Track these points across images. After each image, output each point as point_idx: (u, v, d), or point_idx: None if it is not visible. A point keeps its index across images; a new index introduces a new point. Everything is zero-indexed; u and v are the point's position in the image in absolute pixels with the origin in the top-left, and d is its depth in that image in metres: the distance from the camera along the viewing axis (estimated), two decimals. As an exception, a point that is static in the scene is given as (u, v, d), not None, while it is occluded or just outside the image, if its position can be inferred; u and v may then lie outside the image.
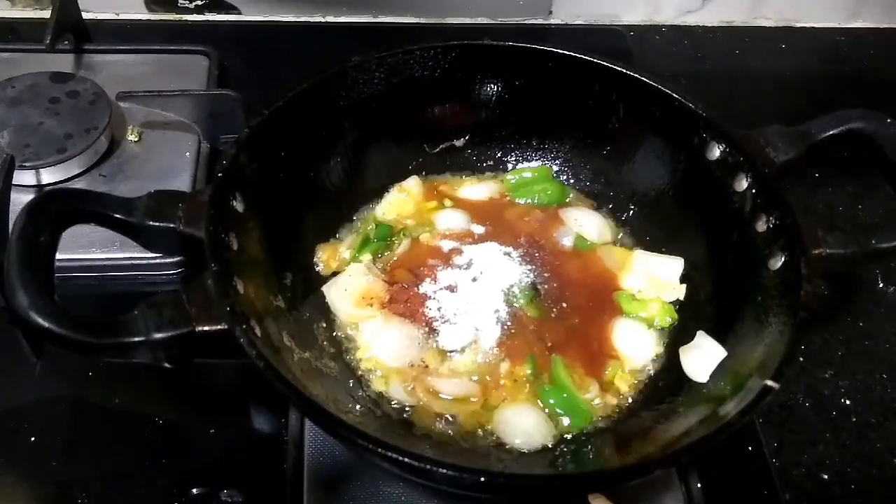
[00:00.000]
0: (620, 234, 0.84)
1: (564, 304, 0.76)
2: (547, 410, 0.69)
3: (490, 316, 0.74)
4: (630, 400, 0.71)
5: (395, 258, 0.79)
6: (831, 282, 0.87)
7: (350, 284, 0.75)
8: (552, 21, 1.19)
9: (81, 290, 0.80)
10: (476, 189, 0.86)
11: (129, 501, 0.67)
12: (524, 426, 0.68)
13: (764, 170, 0.71)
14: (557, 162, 0.88)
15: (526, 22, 1.18)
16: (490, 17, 1.18)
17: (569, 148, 0.87)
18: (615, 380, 0.71)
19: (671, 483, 0.68)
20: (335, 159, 0.81)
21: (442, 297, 0.75)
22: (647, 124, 0.80)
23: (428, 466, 0.53)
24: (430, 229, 0.82)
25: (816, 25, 1.22)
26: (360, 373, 0.72)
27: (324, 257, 0.79)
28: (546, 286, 0.78)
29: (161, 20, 1.13)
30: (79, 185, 0.86)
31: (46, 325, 0.53)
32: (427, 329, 0.73)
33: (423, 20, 1.17)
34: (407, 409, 0.69)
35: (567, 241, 0.82)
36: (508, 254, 0.79)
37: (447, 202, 0.84)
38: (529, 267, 0.79)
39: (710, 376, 0.68)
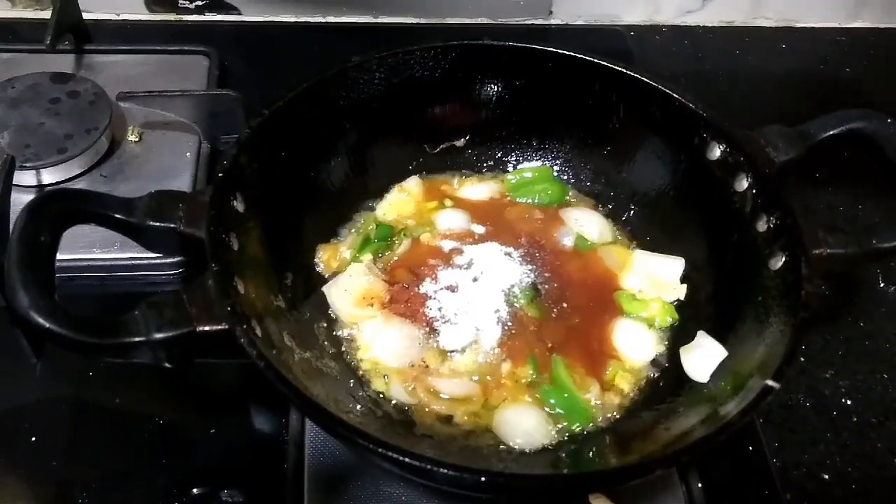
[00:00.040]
0: (621, 234, 0.84)
1: (565, 304, 0.76)
2: (547, 410, 0.69)
3: (490, 316, 0.74)
4: (630, 400, 0.71)
5: (395, 258, 0.79)
6: (832, 282, 0.87)
7: (350, 284, 0.75)
8: (552, 21, 1.19)
9: (82, 291, 0.80)
10: (476, 189, 0.86)
11: (129, 501, 0.67)
12: (525, 426, 0.68)
13: (764, 170, 0.71)
14: (558, 162, 0.88)
15: (526, 22, 1.18)
16: (490, 18, 1.18)
17: (569, 148, 0.87)
18: (616, 380, 0.71)
19: (672, 483, 0.68)
20: (335, 159, 0.81)
21: (442, 297, 0.75)
22: (648, 124, 0.80)
23: (428, 466, 0.53)
24: (431, 229, 0.82)
25: (816, 25, 1.22)
26: (360, 373, 0.72)
27: (324, 257, 0.79)
28: (546, 286, 0.78)
29: (161, 20, 1.13)
30: (79, 185, 0.86)
31: (47, 325, 0.53)
32: (428, 329, 0.73)
33: (423, 20, 1.17)
34: (407, 409, 0.69)
35: (567, 241, 0.82)
36: (509, 254, 0.79)
37: (448, 202, 0.84)
38: (530, 267, 0.79)
39: (711, 376, 0.68)
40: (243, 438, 0.72)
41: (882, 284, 0.88)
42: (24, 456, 0.69)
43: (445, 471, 0.53)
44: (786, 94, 1.11)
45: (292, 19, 1.15)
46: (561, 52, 0.81)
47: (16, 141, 0.85)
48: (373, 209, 0.84)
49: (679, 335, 0.74)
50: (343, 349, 0.73)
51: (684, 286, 0.77)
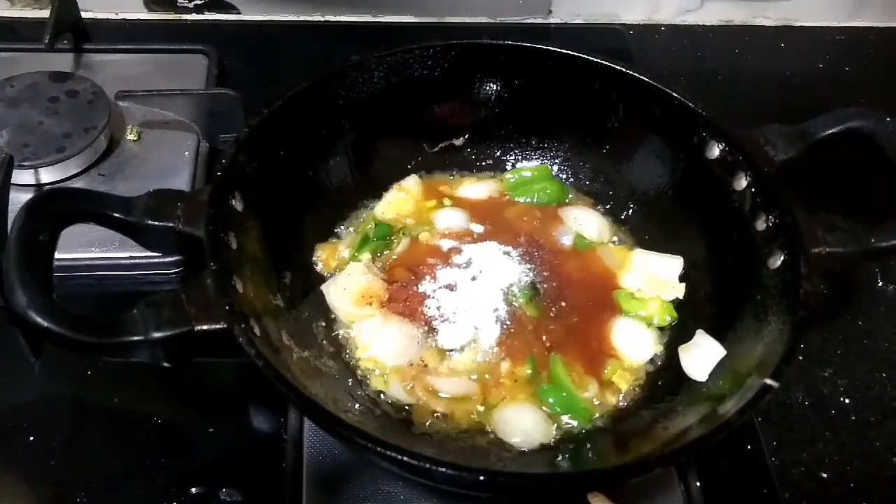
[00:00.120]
0: (620, 233, 0.84)
1: (564, 303, 0.76)
2: (546, 409, 0.69)
3: (489, 315, 0.74)
4: (629, 399, 0.71)
5: (394, 257, 0.79)
6: (831, 281, 0.87)
7: (349, 283, 0.75)
8: (552, 20, 1.19)
9: (80, 290, 0.80)
10: (475, 188, 0.86)
11: (128, 501, 0.67)
12: (523, 425, 0.68)
13: (763, 169, 0.71)
14: (557, 161, 0.88)
15: (525, 21, 1.18)
16: (489, 16, 1.18)
17: (568, 147, 0.87)
18: (614, 379, 0.71)
19: (670, 482, 0.69)
20: (334, 158, 0.81)
21: (441, 296, 0.75)
22: (647, 123, 0.80)
23: (427, 465, 0.53)
24: (430, 228, 0.82)
25: (816, 25, 1.22)
26: (359, 372, 0.72)
27: (323, 256, 0.79)
28: (545, 285, 0.78)
29: (160, 19, 1.13)
30: (78, 184, 0.86)
31: (45, 324, 0.53)
32: (426, 328, 0.73)
33: (422, 19, 1.17)
34: (406, 407, 0.69)
35: (566, 240, 0.82)
36: (508, 253, 0.79)
37: (446, 201, 0.84)
38: (529, 266, 0.79)
39: (710, 375, 0.68)
40: (242, 437, 0.72)
41: (881, 283, 0.88)
42: (22, 455, 0.69)
43: (444, 470, 0.53)
44: (785, 93, 1.11)
45: (291, 18, 1.15)
46: (560, 51, 0.81)
47: (14, 140, 0.85)
48: (372, 208, 0.84)
49: (678, 334, 0.74)
50: (342, 348, 0.73)
51: (683, 285, 0.77)
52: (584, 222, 0.82)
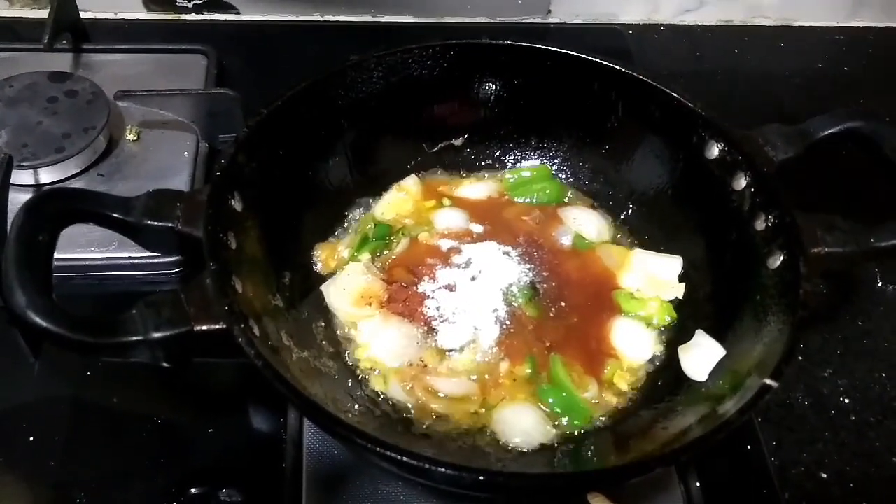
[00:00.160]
0: (619, 233, 0.84)
1: (563, 304, 0.76)
2: (546, 409, 0.69)
3: (489, 315, 0.74)
4: (629, 399, 0.71)
5: (393, 257, 0.79)
6: (830, 281, 0.87)
7: (349, 284, 0.75)
8: (551, 20, 1.19)
9: (80, 290, 0.80)
10: (475, 188, 0.86)
11: (128, 501, 0.67)
12: (523, 425, 0.68)
13: (763, 169, 0.71)
14: (556, 161, 0.88)
15: (525, 21, 1.18)
16: (489, 16, 1.18)
17: (568, 147, 0.87)
18: (614, 379, 0.71)
19: (670, 482, 0.69)
20: (334, 158, 0.81)
21: (441, 297, 0.75)
22: (646, 123, 0.80)
23: (427, 465, 0.53)
24: (429, 228, 0.82)
25: (815, 24, 1.22)
26: (358, 372, 0.72)
27: (322, 256, 0.79)
28: (545, 285, 0.78)
29: (159, 19, 1.13)
30: (77, 184, 0.86)
31: (44, 324, 0.53)
32: (426, 328, 0.73)
33: (421, 19, 1.17)
34: (406, 408, 0.69)
35: (566, 240, 0.82)
36: (507, 253, 0.79)
37: (446, 201, 0.84)
38: (528, 266, 0.79)
39: (709, 375, 0.68)
40: (241, 438, 0.72)
41: (880, 283, 0.88)
42: (22, 456, 0.69)
43: (444, 470, 0.53)
44: (784, 93, 1.11)
45: (291, 18, 1.15)
46: (559, 51, 0.81)
47: (13, 140, 0.85)
48: (371, 208, 0.84)
49: (677, 334, 0.74)
50: (341, 348, 0.73)
51: (682, 285, 0.77)
52: (584, 222, 0.82)
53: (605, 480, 0.60)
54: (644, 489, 0.68)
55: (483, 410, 0.69)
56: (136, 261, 0.80)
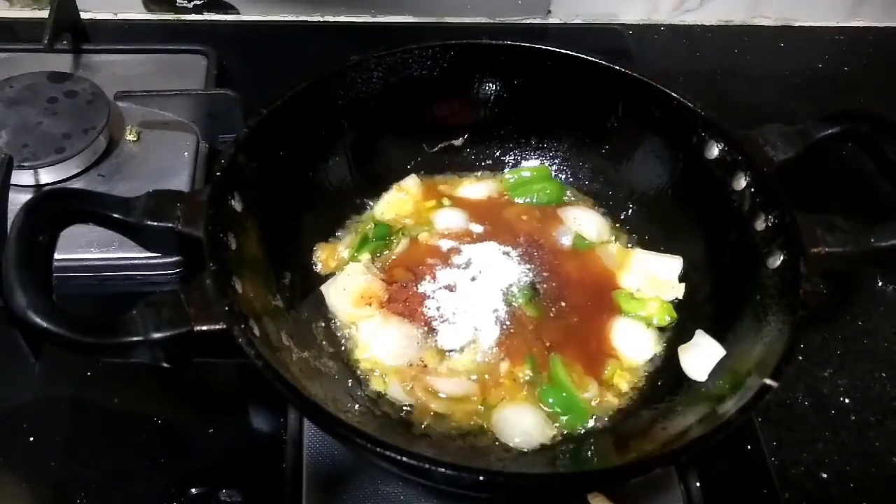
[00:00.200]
0: (619, 234, 0.84)
1: (563, 304, 0.76)
2: (546, 409, 0.69)
3: (489, 315, 0.74)
4: (629, 399, 0.71)
5: (393, 257, 0.79)
6: (831, 281, 0.87)
7: (349, 284, 0.75)
8: (551, 20, 1.19)
9: (80, 290, 0.80)
10: (475, 188, 0.86)
11: (128, 501, 0.67)
12: (523, 425, 0.68)
13: (763, 169, 0.71)
14: (556, 161, 0.88)
15: (524, 21, 1.18)
16: (489, 17, 1.18)
17: (567, 147, 0.87)
18: (614, 379, 0.71)
19: (670, 482, 0.68)
20: (334, 159, 0.81)
21: (441, 297, 0.75)
22: (646, 123, 0.80)
23: (427, 465, 0.53)
24: (429, 228, 0.82)
25: (815, 24, 1.22)
26: (358, 372, 0.72)
27: (322, 257, 0.79)
28: (545, 285, 0.77)
29: (159, 20, 1.13)
30: (77, 184, 0.86)
31: (45, 325, 0.53)
32: (426, 328, 0.73)
33: (421, 19, 1.17)
34: (406, 408, 0.69)
35: (566, 241, 0.82)
36: (507, 253, 0.79)
37: (446, 201, 0.84)
38: (528, 266, 0.79)
39: (709, 375, 0.68)
40: (242, 438, 0.72)
41: (881, 283, 0.88)
42: (22, 456, 0.69)
43: (444, 470, 0.53)
44: (784, 93, 1.11)
45: (291, 19, 1.15)
46: (559, 51, 0.81)
47: (13, 140, 0.85)
48: (371, 208, 0.84)
49: (677, 334, 0.74)
50: (341, 349, 0.73)
51: (682, 285, 0.77)
52: (584, 222, 0.82)
53: (605, 480, 0.60)
54: (644, 489, 0.68)
55: (483, 410, 0.69)
56: (136, 261, 0.80)
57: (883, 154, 0.74)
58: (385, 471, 0.66)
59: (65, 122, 0.87)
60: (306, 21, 1.15)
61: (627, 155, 0.83)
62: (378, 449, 0.53)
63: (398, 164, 0.86)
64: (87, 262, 0.79)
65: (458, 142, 0.87)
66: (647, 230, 0.83)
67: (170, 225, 0.63)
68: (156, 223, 0.63)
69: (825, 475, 0.73)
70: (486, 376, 0.71)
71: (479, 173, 0.88)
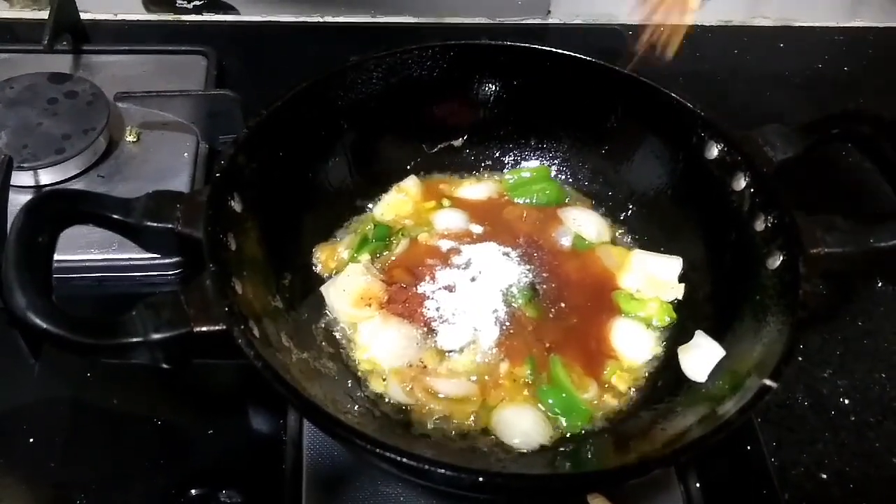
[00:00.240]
0: (619, 234, 0.84)
1: (563, 304, 0.76)
2: (545, 410, 0.69)
3: (489, 316, 0.74)
4: (629, 399, 0.71)
5: (393, 258, 0.79)
6: (830, 281, 0.86)
7: (348, 285, 0.75)
8: (550, 21, 1.19)
9: (80, 291, 0.80)
10: (474, 189, 0.86)
11: (128, 502, 0.67)
12: (523, 426, 0.68)
13: (762, 169, 0.71)
14: (556, 162, 0.88)
15: (524, 22, 1.18)
16: (488, 17, 1.18)
17: (567, 147, 0.87)
18: (614, 379, 0.71)
19: (670, 483, 0.68)
20: (333, 159, 0.81)
21: (440, 298, 0.75)
22: (646, 124, 0.80)
23: (426, 466, 0.53)
24: (429, 229, 0.81)
25: (815, 25, 1.22)
26: (358, 373, 0.72)
27: (322, 257, 0.79)
28: (545, 286, 0.77)
29: (159, 20, 1.13)
30: (77, 185, 0.86)
31: (44, 325, 0.53)
32: (425, 329, 0.73)
33: (421, 20, 1.17)
34: (405, 409, 0.69)
35: (566, 241, 0.82)
36: (507, 254, 0.79)
37: (445, 202, 0.84)
38: (528, 267, 0.79)
39: (709, 376, 0.68)
40: (241, 439, 0.72)
41: (880, 284, 0.88)
42: (22, 457, 0.69)
43: (443, 471, 0.53)
44: (784, 93, 1.11)
45: (290, 19, 1.15)
46: (559, 51, 0.81)
47: (13, 141, 0.85)
48: (371, 209, 0.84)
49: (677, 335, 0.74)
50: (341, 349, 0.73)
51: (682, 286, 0.77)
52: (583, 223, 0.82)
53: (605, 481, 0.60)
54: (644, 489, 0.68)
55: (483, 411, 0.69)
56: (135, 262, 0.80)
57: (883, 154, 0.74)
58: (385, 472, 0.66)
59: (65, 123, 0.87)
60: (306, 21, 1.15)
61: (627, 155, 0.83)
62: (378, 450, 0.53)
63: (398, 164, 0.86)
64: (87, 263, 0.79)
65: (458, 142, 0.87)
66: (647, 230, 0.83)
67: (169, 226, 0.63)
68: (155, 224, 0.63)
69: (825, 476, 0.73)
70: (486, 377, 0.71)
71: (479, 174, 0.88)
